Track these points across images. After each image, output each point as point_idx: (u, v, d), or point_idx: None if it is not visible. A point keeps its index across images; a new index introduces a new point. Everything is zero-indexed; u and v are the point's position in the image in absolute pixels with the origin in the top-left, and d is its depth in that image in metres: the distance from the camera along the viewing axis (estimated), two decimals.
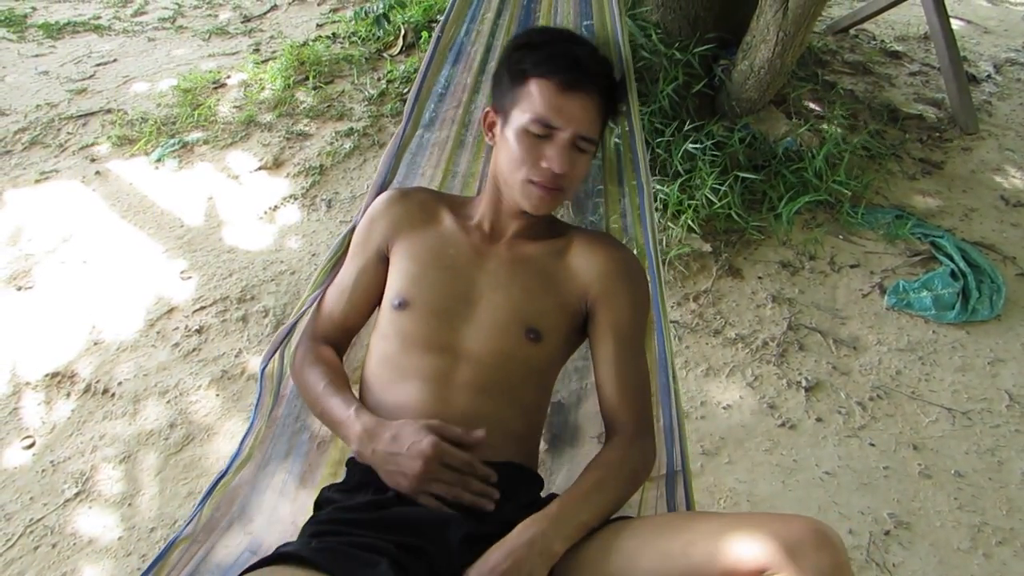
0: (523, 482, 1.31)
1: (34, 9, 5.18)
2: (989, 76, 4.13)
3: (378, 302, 1.44)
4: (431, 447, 1.15)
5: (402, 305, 1.34)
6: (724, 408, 2.32)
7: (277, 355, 1.47)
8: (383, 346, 1.35)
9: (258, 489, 1.50)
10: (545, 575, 1.09)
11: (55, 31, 4.80)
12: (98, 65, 4.36)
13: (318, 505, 1.29)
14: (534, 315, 1.33)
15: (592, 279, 1.37)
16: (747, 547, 0.94)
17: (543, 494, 1.35)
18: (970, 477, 2.13)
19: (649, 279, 1.44)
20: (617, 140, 1.56)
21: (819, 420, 2.28)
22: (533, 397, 1.37)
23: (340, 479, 1.37)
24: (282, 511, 1.50)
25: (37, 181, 3.38)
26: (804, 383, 2.38)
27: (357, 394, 1.37)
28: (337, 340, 1.47)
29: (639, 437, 1.30)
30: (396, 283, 1.38)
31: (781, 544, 0.92)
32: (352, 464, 1.32)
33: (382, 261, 1.43)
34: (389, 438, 1.19)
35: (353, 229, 1.50)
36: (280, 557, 1.06)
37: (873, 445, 2.21)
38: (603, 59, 1.36)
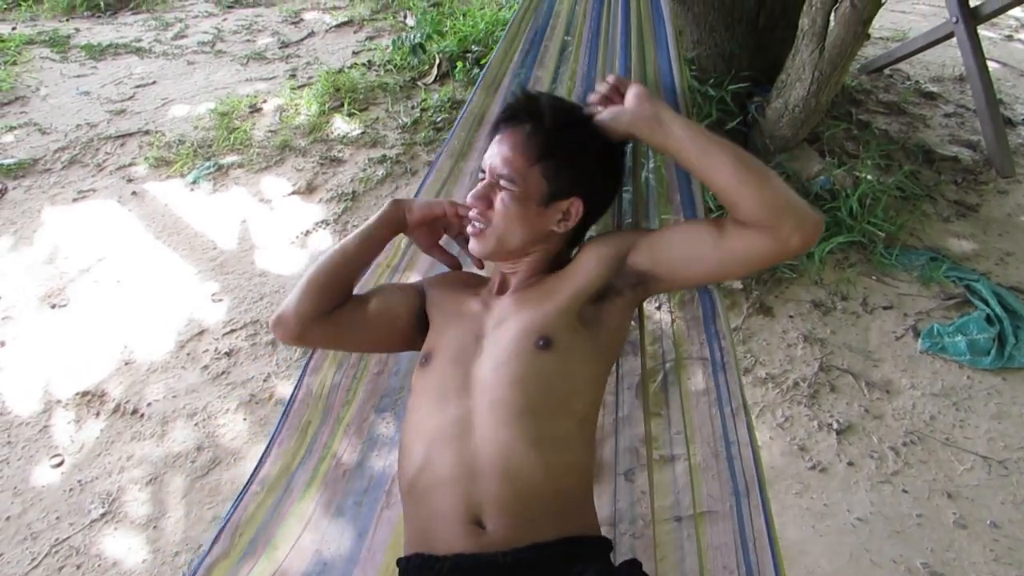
0: (584, 555, 1.19)
1: (77, 30, 5.30)
2: None
3: (389, 319, 1.44)
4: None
5: (426, 359, 1.35)
6: None
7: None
8: (412, 416, 1.33)
9: (280, 515, 1.50)
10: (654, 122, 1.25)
11: (97, 52, 4.91)
12: (138, 87, 4.45)
13: None
14: (541, 323, 1.28)
15: (599, 255, 1.35)
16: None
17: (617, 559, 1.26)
18: (1006, 528, 2.08)
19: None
20: (649, 175, 1.56)
21: (851, 464, 2.24)
22: (564, 426, 1.25)
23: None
24: (304, 540, 1.50)
25: (74, 200, 3.44)
26: (835, 426, 2.35)
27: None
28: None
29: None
30: (428, 339, 1.39)
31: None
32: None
33: (419, 294, 1.46)
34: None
35: None
36: None
37: (906, 492, 2.17)
38: (538, 102, 1.38)
